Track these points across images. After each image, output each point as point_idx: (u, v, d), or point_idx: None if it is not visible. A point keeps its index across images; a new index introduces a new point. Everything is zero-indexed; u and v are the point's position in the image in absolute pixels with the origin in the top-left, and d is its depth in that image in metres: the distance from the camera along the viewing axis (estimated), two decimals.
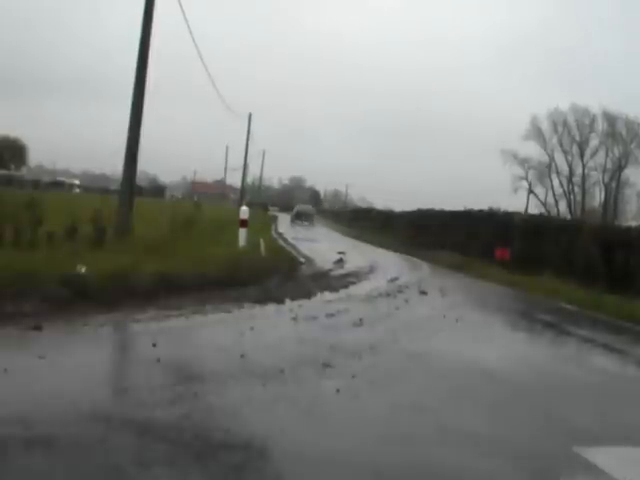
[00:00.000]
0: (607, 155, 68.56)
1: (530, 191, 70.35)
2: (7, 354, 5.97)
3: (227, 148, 79.20)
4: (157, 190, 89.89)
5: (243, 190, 64.20)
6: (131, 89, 14.80)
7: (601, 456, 4.59)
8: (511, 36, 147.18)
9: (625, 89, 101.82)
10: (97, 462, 3.75)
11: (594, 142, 69.03)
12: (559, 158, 70.52)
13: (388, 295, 12.85)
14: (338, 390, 5.60)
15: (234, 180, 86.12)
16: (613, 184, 67.93)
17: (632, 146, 67.19)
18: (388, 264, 21.28)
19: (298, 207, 56.45)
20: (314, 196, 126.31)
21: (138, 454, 3.93)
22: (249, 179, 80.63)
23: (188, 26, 17.27)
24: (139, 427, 4.35)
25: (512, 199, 66.51)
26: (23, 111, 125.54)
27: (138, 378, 5.83)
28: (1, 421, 4.18)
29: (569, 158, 70.21)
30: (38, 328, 6.79)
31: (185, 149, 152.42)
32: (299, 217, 51.59)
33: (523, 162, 70.38)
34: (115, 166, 48.34)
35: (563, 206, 69.41)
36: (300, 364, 6.45)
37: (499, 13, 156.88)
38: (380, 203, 78.09)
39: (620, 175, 67.61)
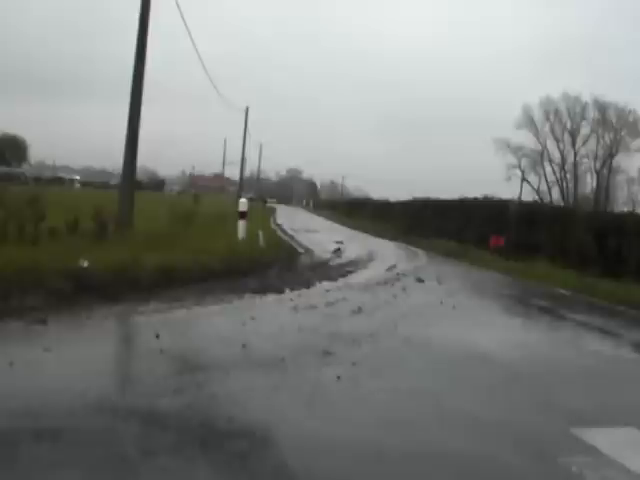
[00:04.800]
0: (598, 142, 69.04)
1: (523, 179, 70.69)
2: (13, 347, 6.06)
3: (225, 142, 79.36)
4: (157, 184, 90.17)
5: (241, 183, 64.15)
6: (130, 85, 14.82)
7: (598, 437, 4.67)
8: (510, 31, 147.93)
9: (616, 77, 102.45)
10: (104, 451, 3.81)
11: (585, 130, 69.63)
12: (551, 146, 71.10)
13: (386, 283, 12.96)
14: (339, 377, 5.67)
15: (232, 173, 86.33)
16: (604, 171, 68.28)
17: (622, 133, 67.69)
18: (385, 253, 21.37)
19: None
20: (311, 187, 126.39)
21: (144, 443, 4.00)
22: (247, 172, 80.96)
23: (183, 18, 17.22)
24: (144, 417, 4.42)
25: (506, 187, 67.23)
26: (24, 108, 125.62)
27: (142, 369, 5.89)
28: (9, 413, 4.25)
29: (561, 146, 70.76)
30: (43, 322, 6.87)
31: (184, 143, 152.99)
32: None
33: (516, 150, 70.96)
34: (115, 161, 48.48)
35: (556, 193, 69.93)
36: (301, 352, 6.53)
37: (499, 10, 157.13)
38: (376, 193, 78.19)
39: (611, 162, 68.02)
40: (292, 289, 10.80)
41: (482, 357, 7.11)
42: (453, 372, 6.42)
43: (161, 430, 4.22)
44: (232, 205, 30.72)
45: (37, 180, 53.64)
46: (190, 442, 4.05)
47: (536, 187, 70.86)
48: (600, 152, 68.80)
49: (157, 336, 6.56)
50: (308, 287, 11.36)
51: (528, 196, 63.59)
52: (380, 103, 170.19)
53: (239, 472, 3.74)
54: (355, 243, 24.54)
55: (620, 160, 68.01)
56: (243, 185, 65.37)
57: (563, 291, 14.62)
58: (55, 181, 63.77)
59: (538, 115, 70.30)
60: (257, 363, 6.01)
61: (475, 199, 27.66)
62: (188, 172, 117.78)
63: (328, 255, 18.25)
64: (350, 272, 14.43)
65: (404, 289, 12.20)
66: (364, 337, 7.48)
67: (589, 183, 70.81)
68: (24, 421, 4.13)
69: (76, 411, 4.39)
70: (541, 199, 63.55)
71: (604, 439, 4.65)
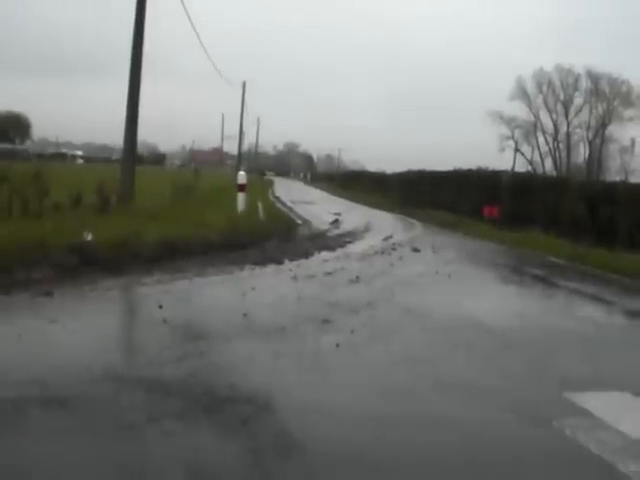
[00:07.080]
0: (591, 113, 69.35)
1: (516, 150, 70.88)
2: (20, 320, 6.17)
3: (223, 116, 79.69)
4: (157, 159, 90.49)
5: (240, 156, 64.22)
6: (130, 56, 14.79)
7: (591, 401, 4.73)
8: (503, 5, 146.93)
9: (608, 47, 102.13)
10: (111, 419, 3.89)
11: (578, 100, 69.95)
12: (544, 117, 71.38)
13: (383, 253, 13.08)
14: (338, 345, 5.75)
15: (231, 147, 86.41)
16: (597, 141, 68.38)
17: (615, 103, 67.74)
18: (382, 224, 21.44)
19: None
20: (308, 161, 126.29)
21: (149, 409, 4.07)
22: (245, 146, 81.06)
23: None
24: (149, 384, 4.50)
25: (500, 158, 67.45)
26: (28, 87, 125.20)
27: (146, 339, 5.98)
28: (18, 383, 4.34)
29: (554, 117, 71.11)
30: (49, 294, 6.99)
31: (184, 118, 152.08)
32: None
33: (509, 122, 71.25)
34: (117, 136, 48.57)
35: (549, 164, 70.34)
36: (300, 321, 6.62)
37: None
38: (372, 166, 78.08)
39: (604, 132, 68.12)
40: (291, 260, 10.92)
41: (477, 324, 7.17)
42: (449, 339, 6.45)
43: (165, 397, 4.30)
44: (231, 178, 30.74)
45: (40, 156, 53.89)
46: (193, 408, 4.13)
47: (529, 158, 71.30)
48: (593, 122, 69.12)
49: (160, 306, 6.67)
50: (307, 257, 11.48)
51: (521, 167, 64.05)
52: (376, 77, 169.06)
53: (241, 436, 3.80)
54: (352, 214, 24.61)
55: (613, 130, 68.34)
56: (242, 159, 65.47)
57: (556, 260, 14.65)
58: (57, 157, 63.90)
59: (531, 87, 70.75)
60: (258, 331, 6.11)
61: (469, 170, 27.66)
62: (188, 147, 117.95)
63: (326, 226, 18.39)
64: (348, 242, 14.56)
65: (400, 259, 12.33)
66: (362, 305, 7.57)
67: (582, 153, 71.20)
68: (33, 390, 4.22)
69: (82, 380, 4.48)
70: (534, 169, 63.79)
71: (597, 403, 4.71)
